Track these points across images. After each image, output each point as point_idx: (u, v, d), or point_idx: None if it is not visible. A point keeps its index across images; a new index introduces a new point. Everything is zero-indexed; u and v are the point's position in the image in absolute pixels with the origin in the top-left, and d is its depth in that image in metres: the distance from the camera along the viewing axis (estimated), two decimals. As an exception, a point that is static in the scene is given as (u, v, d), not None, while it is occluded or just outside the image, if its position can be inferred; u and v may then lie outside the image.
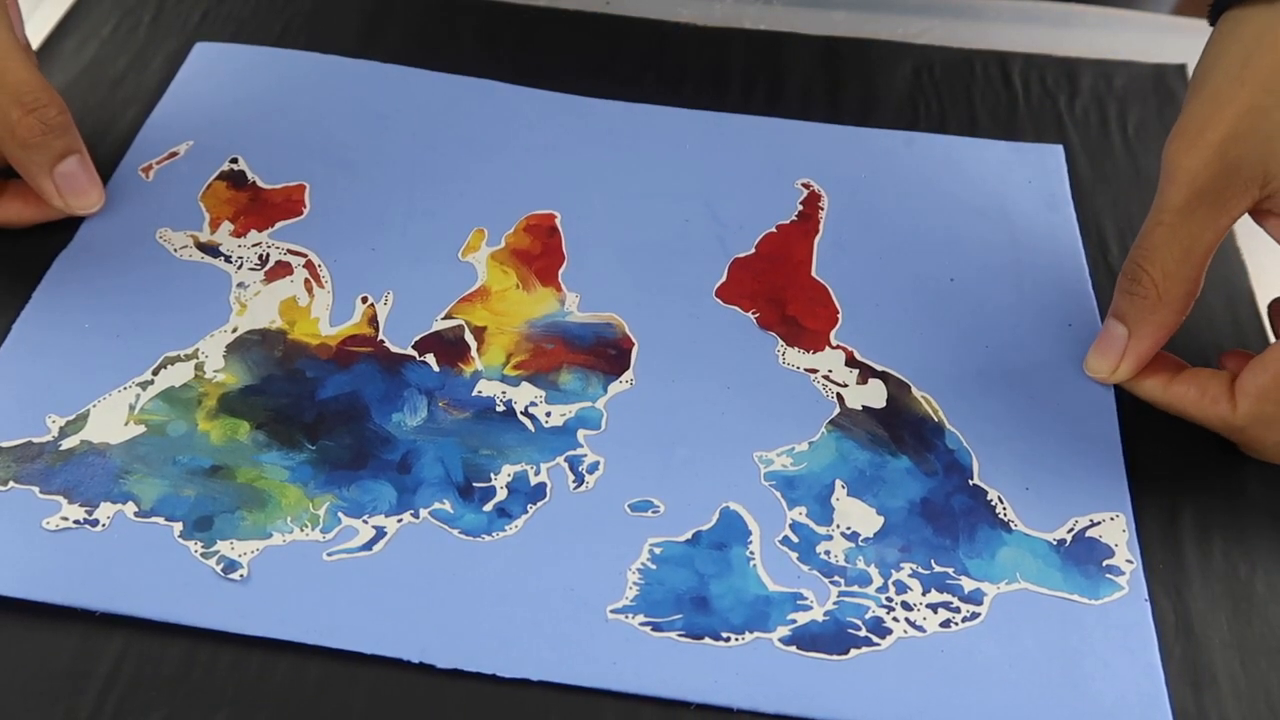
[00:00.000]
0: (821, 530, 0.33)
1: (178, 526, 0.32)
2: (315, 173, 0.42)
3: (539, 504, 0.33)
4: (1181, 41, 0.49)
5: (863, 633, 0.31)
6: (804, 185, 0.42)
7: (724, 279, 0.39)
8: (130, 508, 0.32)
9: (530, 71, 0.45)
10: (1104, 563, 0.32)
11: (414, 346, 0.36)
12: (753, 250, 0.40)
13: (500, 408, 0.35)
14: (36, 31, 0.47)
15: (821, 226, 0.41)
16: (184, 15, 0.48)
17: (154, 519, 0.32)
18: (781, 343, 0.37)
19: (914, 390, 0.36)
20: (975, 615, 0.31)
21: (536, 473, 0.34)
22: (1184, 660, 0.31)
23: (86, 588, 0.30)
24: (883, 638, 0.31)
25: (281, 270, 0.38)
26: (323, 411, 0.35)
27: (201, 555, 0.31)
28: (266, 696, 0.29)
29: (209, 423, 0.34)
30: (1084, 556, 0.32)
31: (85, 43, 0.47)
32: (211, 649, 0.30)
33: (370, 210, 0.40)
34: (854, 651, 0.30)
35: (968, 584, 0.32)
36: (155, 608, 0.30)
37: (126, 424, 0.34)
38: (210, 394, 0.35)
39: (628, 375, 0.36)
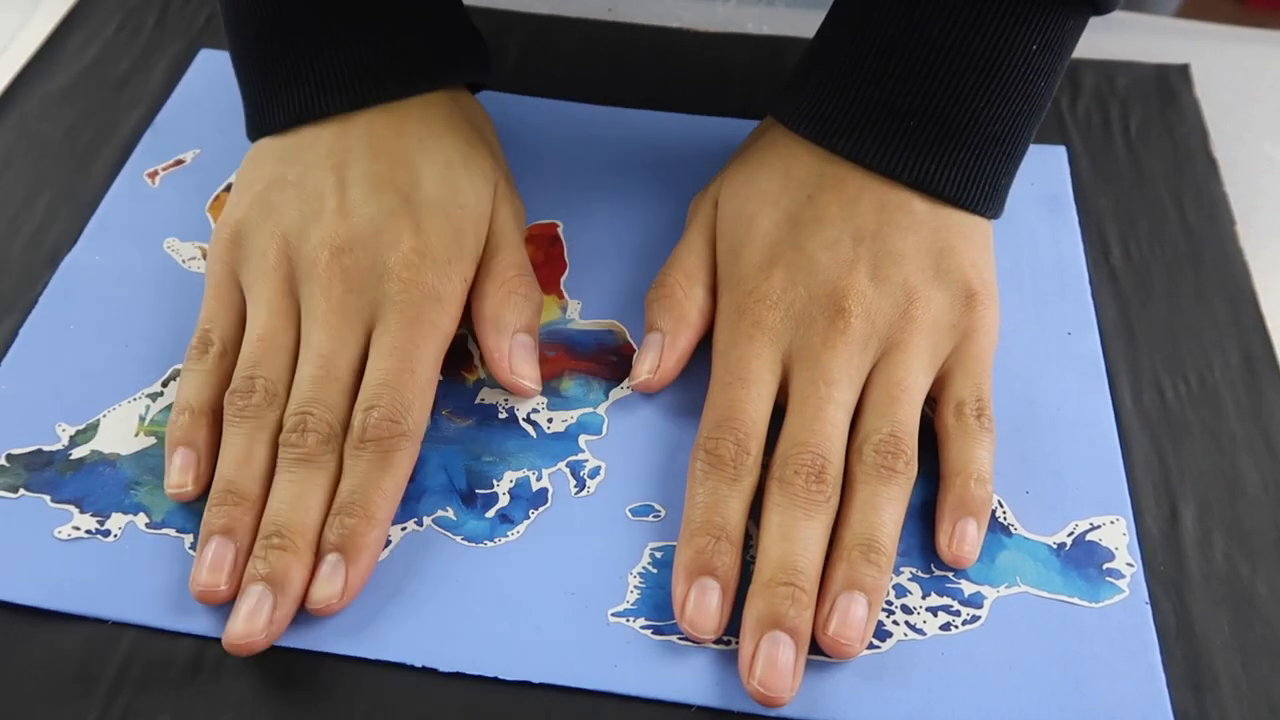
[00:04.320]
0: (822, 534, 0.33)
1: (188, 538, 0.32)
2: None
3: (541, 509, 0.33)
4: (1184, 43, 0.49)
5: (862, 636, 0.31)
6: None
7: (725, 284, 0.39)
8: (141, 519, 0.33)
9: (532, 78, 0.46)
10: (1104, 566, 0.32)
11: (418, 354, 0.37)
12: (754, 255, 0.40)
13: (503, 414, 0.35)
14: (39, 30, 0.47)
15: (823, 231, 0.41)
16: (189, 18, 0.48)
17: (165, 530, 0.32)
18: (782, 347, 0.37)
19: (914, 394, 0.36)
20: (975, 618, 0.31)
21: (538, 478, 0.34)
22: (1185, 662, 0.31)
23: (97, 597, 0.31)
24: (883, 640, 0.31)
25: (287, 279, 0.39)
26: (327, 419, 0.35)
27: (209, 563, 0.32)
28: (271, 700, 0.30)
29: (217, 432, 0.35)
30: (1084, 560, 0.33)
31: (89, 42, 0.47)
32: (217, 653, 0.30)
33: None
34: (854, 655, 0.31)
35: (968, 587, 0.32)
36: (165, 618, 0.31)
37: (136, 435, 0.34)
38: (217, 403, 0.35)
39: (629, 381, 0.36)
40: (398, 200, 0.35)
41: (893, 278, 0.34)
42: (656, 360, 0.35)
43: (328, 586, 0.30)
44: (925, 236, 0.35)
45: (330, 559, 0.30)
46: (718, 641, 0.31)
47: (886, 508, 0.31)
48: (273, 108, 0.37)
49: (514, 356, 0.35)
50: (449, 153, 0.36)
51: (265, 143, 0.37)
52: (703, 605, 0.30)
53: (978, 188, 0.35)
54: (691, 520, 0.32)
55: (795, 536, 0.31)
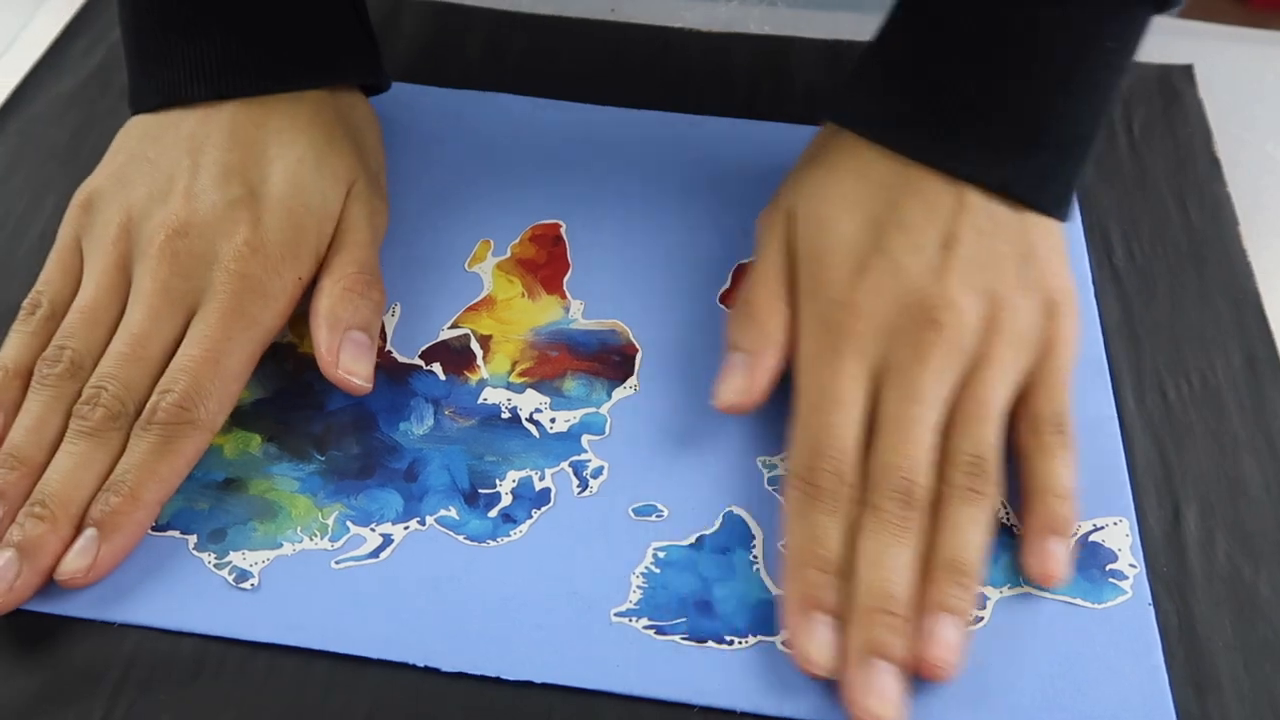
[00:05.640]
0: (824, 535, 0.33)
1: (193, 539, 0.32)
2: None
3: (544, 509, 0.33)
4: (1187, 43, 0.48)
5: (865, 637, 0.31)
6: (808, 190, 0.42)
7: (728, 284, 0.39)
8: (146, 520, 0.33)
9: (535, 78, 0.46)
10: (1107, 567, 0.32)
11: (420, 356, 0.37)
12: (757, 256, 0.40)
13: (505, 414, 0.35)
14: (44, 33, 0.47)
15: (825, 231, 0.41)
16: (195, 27, 0.48)
17: (170, 532, 0.32)
18: (785, 348, 0.37)
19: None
20: (979, 619, 0.31)
21: (541, 478, 0.34)
22: (1187, 664, 0.31)
23: (104, 600, 0.31)
24: (885, 641, 0.31)
25: (291, 281, 0.39)
26: (331, 423, 0.35)
27: (214, 566, 0.32)
28: (273, 699, 0.30)
29: (222, 436, 0.35)
30: (1087, 561, 0.33)
31: (94, 46, 0.47)
32: (219, 652, 0.30)
33: (378, 221, 0.41)
34: (856, 655, 0.31)
35: (970, 588, 0.32)
36: (171, 618, 0.31)
37: (140, 434, 0.35)
38: (221, 404, 0.35)
39: (631, 381, 0.36)
40: (243, 191, 0.35)
41: (980, 285, 0.33)
42: (744, 381, 0.34)
43: (76, 560, 0.30)
44: (1008, 242, 0.34)
45: (87, 534, 0.31)
46: (721, 642, 0.31)
47: (972, 529, 0.31)
48: (146, 87, 0.37)
49: (344, 353, 0.34)
50: (304, 149, 0.36)
51: (138, 118, 0.38)
52: (818, 640, 0.30)
53: (1054, 189, 0.34)
54: (796, 551, 0.31)
55: (888, 562, 0.30)
